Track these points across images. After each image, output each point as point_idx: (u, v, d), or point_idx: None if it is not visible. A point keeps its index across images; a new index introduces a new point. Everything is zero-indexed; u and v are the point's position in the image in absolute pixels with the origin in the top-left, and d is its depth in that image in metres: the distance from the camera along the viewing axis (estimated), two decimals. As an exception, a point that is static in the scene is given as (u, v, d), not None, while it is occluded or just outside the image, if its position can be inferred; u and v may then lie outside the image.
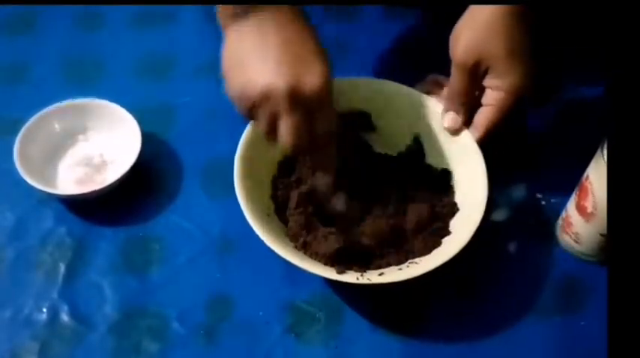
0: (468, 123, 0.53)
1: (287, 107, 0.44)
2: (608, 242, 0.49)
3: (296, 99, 0.44)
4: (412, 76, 0.59)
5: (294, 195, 0.53)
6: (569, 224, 0.52)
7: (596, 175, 0.47)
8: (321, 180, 0.51)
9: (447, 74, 0.54)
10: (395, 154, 0.58)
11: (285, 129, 0.45)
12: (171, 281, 0.54)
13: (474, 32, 0.49)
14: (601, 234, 0.50)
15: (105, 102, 0.60)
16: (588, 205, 0.49)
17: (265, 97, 0.44)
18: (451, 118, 0.53)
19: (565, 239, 0.54)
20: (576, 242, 0.52)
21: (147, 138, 0.58)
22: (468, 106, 0.52)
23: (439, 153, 0.57)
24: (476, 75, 0.50)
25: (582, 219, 0.50)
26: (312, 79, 0.44)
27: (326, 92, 0.45)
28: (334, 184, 0.51)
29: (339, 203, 0.52)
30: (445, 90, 0.54)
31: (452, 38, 0.51)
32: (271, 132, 0.46)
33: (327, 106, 0.46)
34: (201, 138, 0.62)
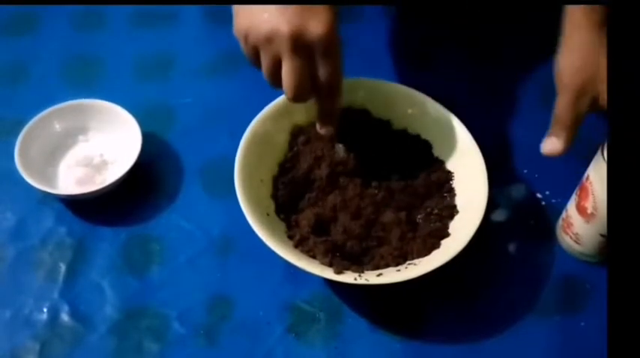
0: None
1: (289, 51, 0.44)
2: (607, 242, 0.49)
3: (299, 43, 0.44)
4: (412, 77, 0.59)
5: (307, 217, 0.53)
6: (570, 224, 0.52)
7: (597, 176, 0.47)
8: (324, 130, 0.51)
9: (446, 75, 0.54)
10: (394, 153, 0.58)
11: (287, 73, 0.45)
12: (172, 282, 0.54)
13: (578, 53, 0.48)
14: (601, 235, 0.50)
15: (105, 102, 0.60)
16: (588, 206, 0.49)
17: (269, 40, 0.44)
18: (550, 142, 0.49)
19: (565, 239, 0.54)
20: (576, 242, 0.52)
21: (147, 139, 0.58)
22: (571, 132, 0.49)
23: (439, 154, 0.57)
24: (581, 98, 0.48)
25: (582, 219, 0.50)
26: (316, 24, 0.44)
27: (330, 39, 0.44)
28: (336, 135, 0.52)
29: (339, 151, 0.53)
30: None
31: (556, 62, 0.49)
32: (274, 76, 0.46)
33: (330, 55, 0.45)
34: (201, 138, 0.62)
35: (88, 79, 0.67)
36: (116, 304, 0.53)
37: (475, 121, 0.56)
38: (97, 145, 0.61)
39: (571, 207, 0.52)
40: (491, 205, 0.52)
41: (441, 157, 0.57)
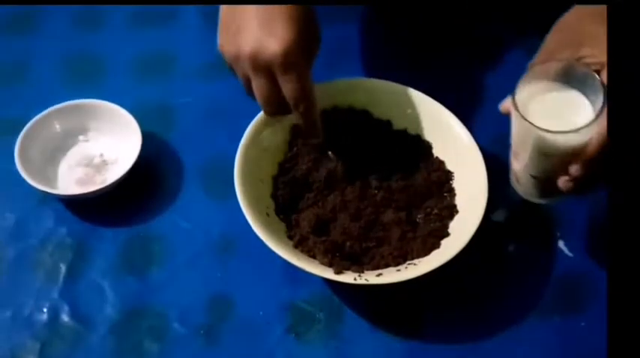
0: None
1: (251, 70, 0.47)
2: (539, 184, 0.49)
3: (257, 62, 0.46)
4: (413, 77, 0.59)
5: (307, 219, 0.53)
6: (511, 164, 0.51)
7: (513, 117, 0.47)
8: (312, 140, 0.54)
9: (447, 75, 0.54)
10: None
11: (255, 90, 0.48)
12: (172, 282, 0.54)
13: (566, 33, 0.48)
14: (531, 175, 0.49)
15: (105, 102, 0.60)
16: (513, 145, 0.49)
17: (235, 60, 0.48)
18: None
19: (512, 180, 0.52)
20: (517, 182, 0.52)
21: (147, 139, 0.58)
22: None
23: (439, 153, 0.57)
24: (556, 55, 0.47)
25: (514, 159, 0.50)
26: (273, 43, 0.45)
27: (287, 56, 0.46)
28: (324, 145, 0.54)
29: (329, 158, 0.54)
30: None
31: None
32: (248, 92, 0.50)
33: (289, 71, 0.46)
34: (201, 138, 0.62)
35: (88, 79, 0.66)
36: (116, 304, 0.53)
37: (475, 121, 0.56)
38: (97, 145, 0.61)
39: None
40: (491, 205, 0.51)
41: (441, 157, 0.57)
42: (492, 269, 0.55)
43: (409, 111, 0.58)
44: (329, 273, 0.48)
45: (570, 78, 0.46)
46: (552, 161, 0.47)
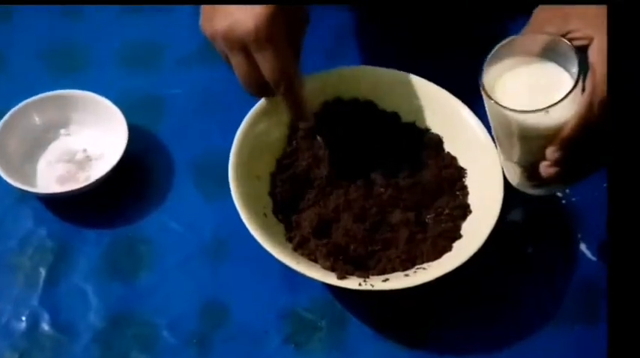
0: None
1: (227, 49, 0.49)
2: (524, 172, 0.50)
3: (230, 40, 0.48)
4: (422, 66, 0.59)
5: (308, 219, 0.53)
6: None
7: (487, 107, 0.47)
8: (300, 124, 0.54)
9: (459, 64, 0.53)
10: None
11: (234, 69, 0.50)
12: (161, 287, 0.54)
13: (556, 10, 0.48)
14: (515, 163, 0.50)
15: (89, 93, 0.60)
16: (493, 130, 0.50)
17: (213, 39, 0.50)
18: None
19: (505, 173, 0.52)
20: (506, 171, 0.52)
21: (134, 132, 0.58)
22: None
23: (451, 149, 0.57)
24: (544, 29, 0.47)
25: (498, 146, 0.51)
26: (245, 19, 0.47)
27: (260, 33, 0.47)
28: (314, 129, 0.54)
29: (319, 145, 0.54)
30: None
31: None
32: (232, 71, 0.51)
33: (263, 48, 0.47)
34: (193, 131, 0.62)
35: (70, 69, 0.66)
36: (101, 311, 0.53)
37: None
38: (80, 140, 0.61)
39: None
40: (507, 204, 0.51)
41: (453, 153, 0.57)
42: (507, 273, 0.55)
43: (418, 102, 0.58)
44: (331, 278, 0.48)
45: (548, 52, 0.45)
46: (530, 145, 0.46)
